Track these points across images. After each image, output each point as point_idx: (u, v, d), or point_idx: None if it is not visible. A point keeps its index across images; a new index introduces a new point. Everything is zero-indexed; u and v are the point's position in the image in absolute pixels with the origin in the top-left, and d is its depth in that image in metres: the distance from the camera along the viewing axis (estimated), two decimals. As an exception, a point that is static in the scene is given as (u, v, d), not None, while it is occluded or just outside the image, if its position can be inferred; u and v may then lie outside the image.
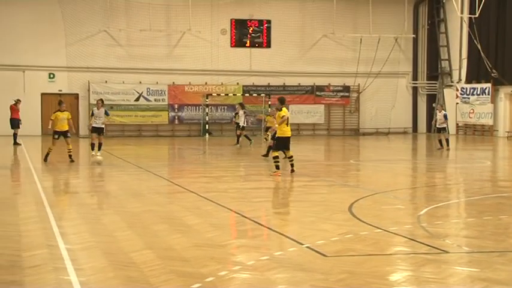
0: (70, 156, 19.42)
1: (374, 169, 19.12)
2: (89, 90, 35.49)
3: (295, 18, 38.20)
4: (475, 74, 36.09)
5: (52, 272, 6.84)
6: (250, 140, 27.76)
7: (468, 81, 36.64)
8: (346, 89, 39.00)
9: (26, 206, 11.39)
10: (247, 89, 37.39)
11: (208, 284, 6.34)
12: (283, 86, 37.93)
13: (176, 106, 36.80)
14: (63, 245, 8.06)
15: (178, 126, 37.09)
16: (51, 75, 35.58)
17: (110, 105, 34.64)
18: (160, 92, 36.59)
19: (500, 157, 24.76)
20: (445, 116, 26.20)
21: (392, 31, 38.71)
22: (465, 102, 36.60)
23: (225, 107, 36.83)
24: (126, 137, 35.32)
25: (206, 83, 37.13)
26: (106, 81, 35.89)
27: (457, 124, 37.49)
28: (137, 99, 36.24)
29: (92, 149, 21.33)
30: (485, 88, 35.13)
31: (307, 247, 7.92)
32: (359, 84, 38.90)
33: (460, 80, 37.52)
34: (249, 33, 37.92)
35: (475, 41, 34.48)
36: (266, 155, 20.31)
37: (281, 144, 16.58)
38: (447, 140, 25.63)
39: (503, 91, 34.63)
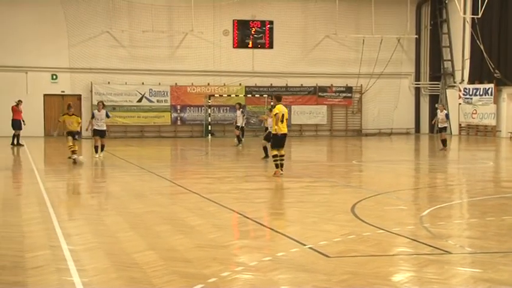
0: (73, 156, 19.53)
1: (376, 170, 19.10)
2: (91, 91, 35.54)
3: (298, 19, 38.20)
4: (478, 74, 36.05)
5: (55, 272, 6.85)
6: (240, 142, 27.81)
7: (471, 81, 36.61)
8: (349, 89, 38.99)
9: (29, 207, 11.40)
10: (249, 90, 37.41)
11: (210, 285, 6.34)
12: (285, 87, 37.94)
13: (179, 107, 36.83)
14: (65, 245, 8.07)
15: (181, 127, 37.12)
16: (54, 76, 35.63)
17: (113, 106, 34.73)
18: (162, 93, 36.62)
19: (503, 157, 24.73)
20: (447, 116, 26.18)
21: (394, 32, 38.69)
22: (468, 103, 36.56)
23: (228, 108, 36.84)
24: (129, 138, 35.36)
25: (208, 84, 37.16)
26: (109, 82, 35.92)
27: (460, 125, 37.47)
28: (140, 100, 36.28)
29: (96, 151, 21.36)
30: (488, 88, 35.08)
31: (310, 248, 7.92)
32: (361, 85, 38.89)
33: (462, 80, 37.48)
34: (251, 34, 37.94)
35: (477, 41, 34.44)
36: (266, 157, 20.29)
37: (276, 141, 16.16)
38: (445, 140, 25.53)
39: (506, 91, 34.58)
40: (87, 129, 21.90)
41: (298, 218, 10.23)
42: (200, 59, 37.05)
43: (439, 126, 26.10)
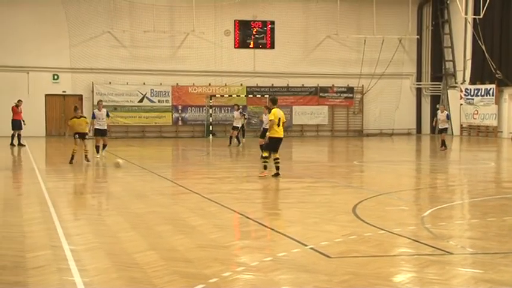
0: (86, 156, 19.83)
1: (378, 170, 19.10)
2: (92, 91, 35.56)
3: (299, 19, 38.20)
4: (479, 75, 36.04)
5: (56, 272, 6.85)
6: (230, 143, 27.85)
7: (472, 82, 36.60)
8: (350, 90, 38.99)
9: (30, 206, 11.41)
10: (250, 90, 37.41)
11: (211, 285, 6.34)
12: (286, 87, 37.95)
13: (180, 107, 36.84)
14: (67, 245, 8.07)
15: (182, 127, 37.13)
16: (55, 77, 35.64)
17: (114, 106, 34.77)
18: (164, 93, 36.63)
19: (504, 158, 24.73)
20: (448, 116, 26.09)
21: (396, 32, 38.68)
22: (469, 104, 36.55)
23: (229, 108, 36.80)
24: (130, 138, 35.37)
25: (210, 84, 37.17)
26: (110, 83, 35.93)
27: (461, 125, 37.46)
28: (141, 101, 36.29)
29: (97, 151, 21.37)
30: (490, 89, 35.08)
31: (311, 248, 7.91)
32: (363, 85, 38.88)
33: (464, 81, 37.47)
34: (252, 34, 37.95)
35: (479, 42, 34.43)
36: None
37: (271, 144, 15.87)
38: (444, 141, 25.45)
39: (508, 92, 34.58)
40: (89, 131, 21.90)
41: (299, 219, 10.22)
42: (201, 59, 37.06)
43: (440, 127, 25.94)
